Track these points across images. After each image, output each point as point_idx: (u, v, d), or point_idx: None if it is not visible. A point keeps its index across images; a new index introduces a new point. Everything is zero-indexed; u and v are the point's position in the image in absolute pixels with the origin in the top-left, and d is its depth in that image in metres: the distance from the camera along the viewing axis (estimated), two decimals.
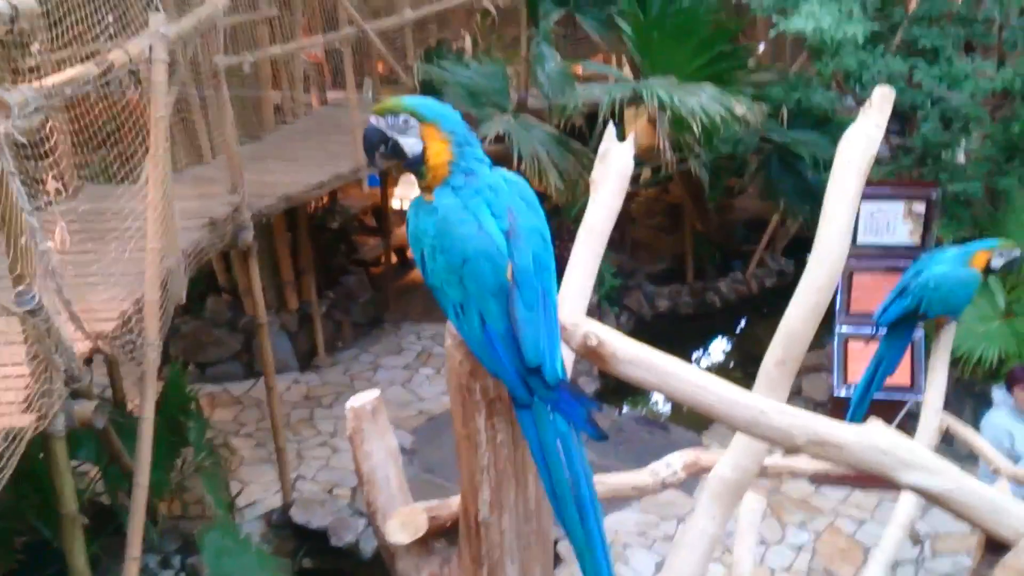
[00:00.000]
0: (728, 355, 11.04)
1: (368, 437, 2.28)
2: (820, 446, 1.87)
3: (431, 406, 8.91)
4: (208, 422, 7.19)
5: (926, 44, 8.04)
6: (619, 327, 6.98)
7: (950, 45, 7.95)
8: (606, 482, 2.67)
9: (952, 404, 4.43)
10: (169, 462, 6.43)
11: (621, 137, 2.81)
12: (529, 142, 8.68)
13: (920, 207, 7.53)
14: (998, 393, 5.34)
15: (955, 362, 7.06)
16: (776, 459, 3.07)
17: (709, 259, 11.89)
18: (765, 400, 1.95)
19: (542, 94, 9.17)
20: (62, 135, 5.86)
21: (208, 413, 8.08)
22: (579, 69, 10.09)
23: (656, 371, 1.89)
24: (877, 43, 7.90)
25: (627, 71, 10.21)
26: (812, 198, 8.95)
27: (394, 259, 11.61)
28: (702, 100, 8.12)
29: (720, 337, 11.26)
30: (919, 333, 6.63)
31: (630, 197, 3.65)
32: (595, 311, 9.13)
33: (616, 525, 6.95)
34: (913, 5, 8.53)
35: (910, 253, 6.93)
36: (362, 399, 2.28)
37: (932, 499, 1.92)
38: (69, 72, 4.26)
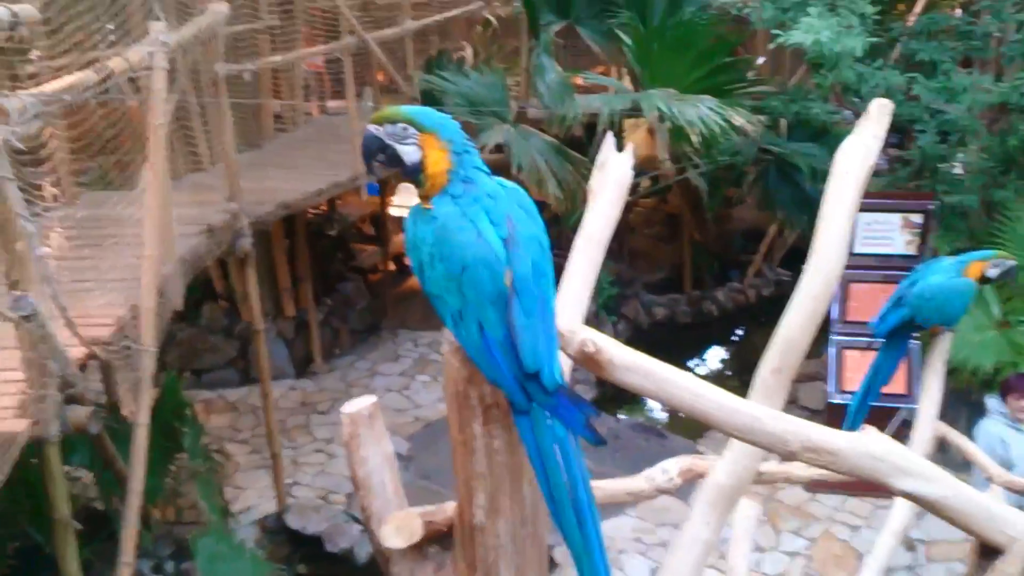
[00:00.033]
0: (725, 364, 11.05)
1: (364, 442, 2.28)
2: (815, 453, 1.88)
3: (427, 413, 8.91)
4: (203, 428, 7.18)
5: (924, 58, 8.08)
6: (616, 335, 6.99)
7: (948, 59, 7.99)
8: (602, 488, 2.68)
9: (947, 413, 4.44)
10: (163, 468, 6.43)
11: (620, 147, 2.83)
12: (528, 151, 8.70)
13: (917, 218, 7.56)
14: (992, 402, 5.36)
15: (950, 371, 7.05)
16: (771, 466, 3.08)
17: (707, 269, 11.92)
18: (761, 407, 1.96)
19: (542, 104, 9.19)
20: (60, 142, 5.87)
21: (203, 419, 8.08)
22: (579, 80, 10.11)
23: (653, 378, 1.89)
24: (876, 56, 7.94)
25: (627, 82, 10.24)
26: (809, 209, 8.95)
27: (392, 267, 11.62)
28: (701, 111, 8.14)
29: (717, 346, 11.27)
30: (915, 343, 6.65)
31: (628, 207, 3.65)
32: (593, 320, 9.13)
33: (612, 531, 6.95)
34: (912, 19, 8.58)
35: (907, 263, 6.95)
36: (358, 404, 2.28)
37: (926, 506, 1.93)
38: (68, 79, 4.27)
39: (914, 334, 4.30)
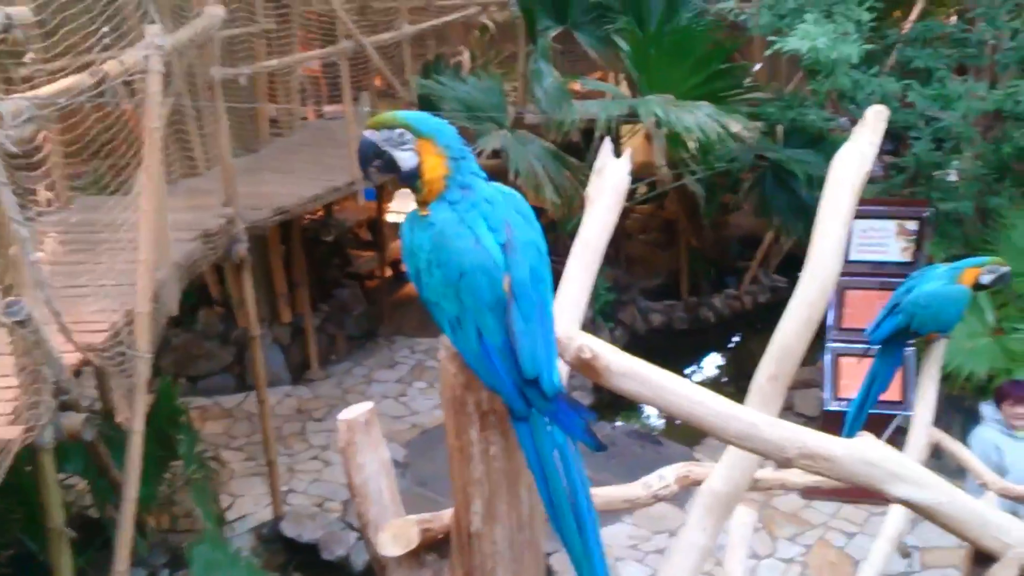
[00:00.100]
0: (721, 370, 11.06)
1: (360, 449, 2.27)
2: (811, 459, 1.88)
3: (424, 419, 8.90)
4: (198, 435, 7.17)
5: (920, 65, 8.10)
6: (613, 341, 6.95)
7: (943, 66, 8.02)
8: (599, 495, 2.67)
9: (941, 419, 4.45)
10: (158, 475, 6.41)
11: (617, 153, 2.83)
12: (525, 157, 8.71)
13: (912, 225, 7.58)
14: (986, 408, 5.37)
15: (945, 378, 7.05)
16: (767, 472, 3.07)
17: (703, 275, 11.93)
18: (757, 414, 1.96)
19: (539, 110, 9.20)
20: (55, 145, 5.86)
21: (199, 426, 8.06)
22: (576, 85, 10.13)
23: (650, 384, 1.89)
24: (871, 63, 7.96)
25: (624, 88, 10.26)
26: (806, 215, 8.97)
27: (389, 273, 11.61)
28: (698, 117, 8.16)
29: (714, 352, 11.28)
30: (910, 349, 6.67)
31: (625, 213, 3.66)
32: (589, 326, 9.11)
33: (608, 538, 6.94)
34: (907, 26, 8.61)
35: (902, 270, 6.96)
36: (355, 411, 2.27)
37: (921, 512, 1.93)
38: (63, 82, 4.26)
39: (909, 341, 4.31)
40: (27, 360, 3.91)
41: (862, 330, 4.48)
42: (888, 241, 7.58)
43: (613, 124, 8.46)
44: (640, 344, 10.30)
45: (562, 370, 1.89)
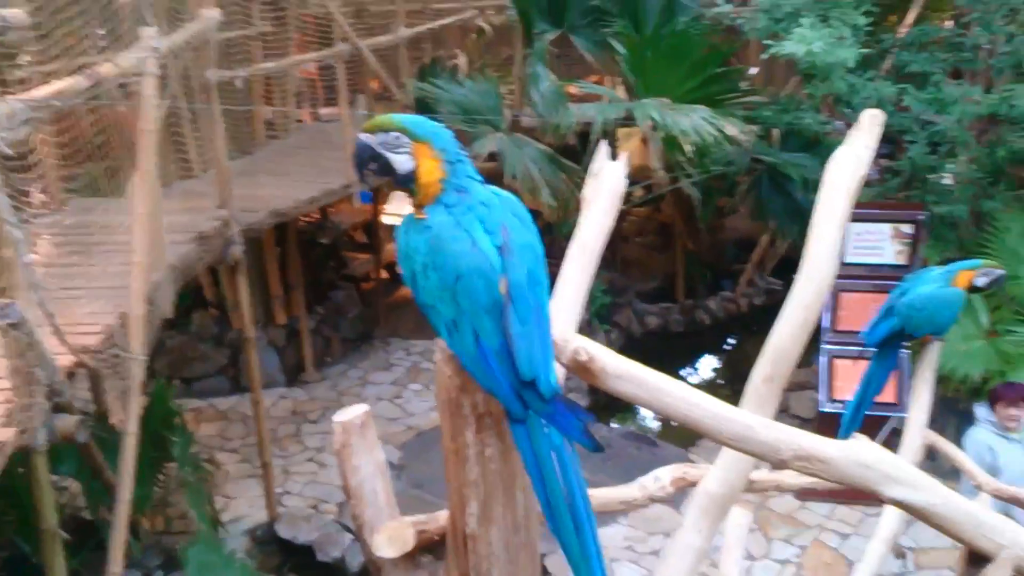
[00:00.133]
0: (717, 372, 11.06)
1: (356, 451, 2.28)
2: (806, 461, 1.88)
3: (419, 422, 8.89)
4: (193, 437, 7.15)
5: (915, 69, 8.13)
6: (609, 344, 6.96)
7: (939, 70, 8.04)
8: (595, 496, 2.66)
9: (936, 421, 4.46)
10: (152, 477, 6.40)
11: (613, 156, 2.83)
12: (522, 160, 8.71)
13: (908, 228, 7.59)
14: (980, 410, 5.38)
15: (939, 380, 7.06)
16: (762, 474, 3.08)
17: (699, 278, 11.94)
18: (753, 416, 1.96)
19: (535, 113, 9.21)
20: (49, 147, 5.85)
21: (193, 428, 8.04)
22: (573, 89, 10.14)
23: (646, 386, 1.89)
24: (867, 68, 7.99)
25: (620, 91, 10.27)
26: (801, 219, 8.95)
27: (384, 275, 11.60)
28: (694, 121, 8.17)
29: (709, 354, 11.29)
30: (904, 352, 6.68)
31: (621, 216, 3.66)
32: (585, 328, 9.14)
33: (604, 540, 6.85)
34: (903, 31, 8.63)
35: (897, 273, 6.97)
36: (350, 413, 2.28)
37: (916, 513, 1.93)
38: (58, 84, 4.26)
39: (905, 343, 4.32)
40: (20, 362, 3.89)
41: (857, 332, 4.49)
42: (883, 244, 7.60)
43: (609, 127, 8.47)
44: (636, 347, 10.31)
45: (559, 372, 1.89)
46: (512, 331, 1.76)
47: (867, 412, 4.20)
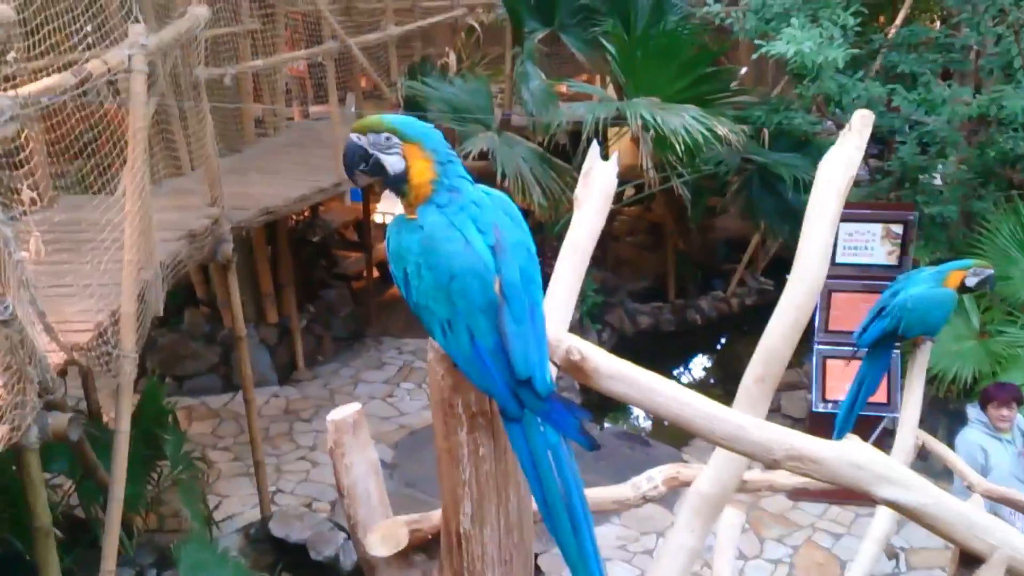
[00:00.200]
0: (708, 372, 11.09)
1: (349, 450, 2.27)
2: (798, 461, 1.89)
3: (412, 420, 8.89)
4: (185, 435, 7.14)
5: (905, 70, 8.16)
6: (601, 343, 7.00)
7: (928, 71, 8.08)
8: (588, 496, 2.66)
9: (927, 421, 4.49)
10: (145, 475, 6.38)
11: (604, 156, 2.83)
12: (512, 159, 8.71)
13: (898, 228, 7.62)
14: (972, 411, 5.41)
15: (930, 380, 7.14)
16: (755, 474, 3.09)
17: (691, 277, 11.98)
18: (745, 416, 1.97)
19: (526, 112, 9.22)
20: (38, 145, 5.82)
21: (185, 426, 8.03)
22: (563, 88, 10.14)
23: (638, 386, 1.90)
24: (857, 68, 8.01)
25: (611, 91, 10.28)
26: (792, 218, 9.03)
27: (376, 274, 11.60)
28: (685, 120, 8.18)
29: (701, 354, 11.32)
30: (895, 352, 6.71)
31: (613, 215, 3.68)
32: (577, 327, 9.15)
33: (597, 539, 6.94)
34: (893, 31, 8.67)
35: (888, 273, 7.00)
36: (343, 412, 2.28)
37: (908, 514, 1.94)
38: (46, 81, 4.24)
39: (897, 344, 4.34)
40: (12, 360, 3.87)
41: (849, 332, 4.51)
42: (874, 244, 7.62)
43: (600, 127, 8.47)
44: (627, 346, 10.33)
45: (551, 371, 1.90)
46: (507, 330, 1.76)
47: (859, 413, 4.22)
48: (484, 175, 7.88)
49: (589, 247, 2.66)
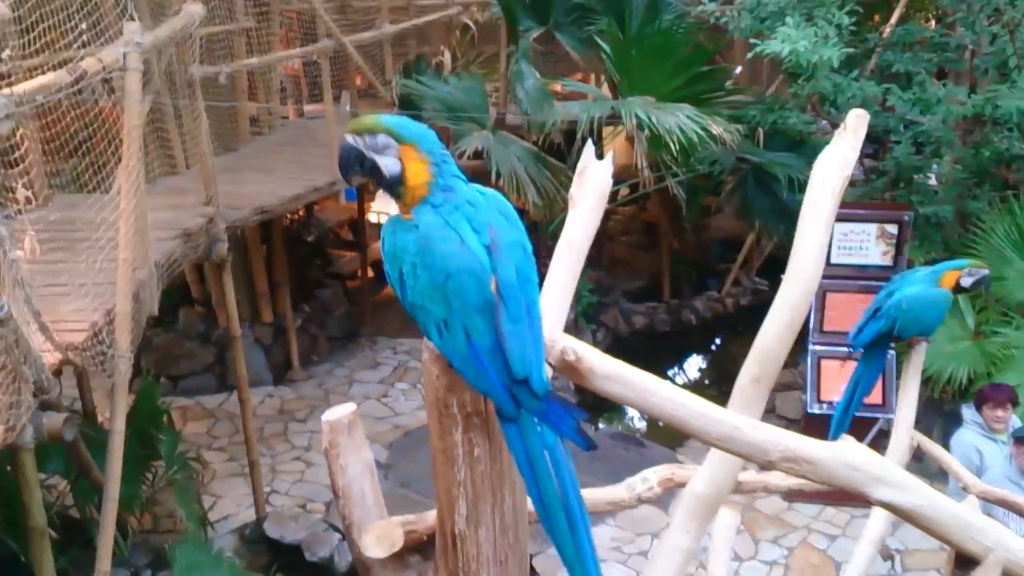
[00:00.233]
0: (703, 372, 11.10)
1: (344, 451, 2.27)
2: (793, 462, 1.88)
3: (407, 421, 8.88)
4: (180, 435, 7.13)
5: (900, 69, 8.17)
6: (595, 343, 7.00)
7: (923, 70, 8.08)
8: (582, 497, 2.67)
9: (922, 422, 4.50)
10: (140, 475, 6.38)
11: (599, 155, 2.83)
12: (507, 158, 8.70)
13: (893, 228, 7.62)
14: (967, 412, 5.41)
15: (925, 381, 7.15)
16: (750, 475, 3.09)
17: (685, 277, 11.98)
18: (740, 416, 1.96)
19: (521, 111, 9.21)
20: (33, 143, 5.81)
21: (180, 426, 8.02)
22: (558, 87, 10.14)
23: (633, 387, 1.89)
24: (852, 67, 8.02)
25: (605, 90, 10.28)
26: (787, 218, 9.03)
27: (371, 273, 11.58)
28: (679, 119, 8.18)
29: (695, 354, 11.33)
30: (890, 353, 6.72)
31: (607, 215, 3.68)
32: (572, 327, 9.14)
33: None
34: (887, 31, 8.67)
35: (883, 273, 7.00)
36: (338, 412, 2.27)
37: (903, 515, 1.94)
38: (41, 79, 4.23)
39: (892, 345, 4.34)
40: (7, 359, 3.86)
41: (843, 333, 4.50)
42: (868, 244, 7.63)
43: (595, 126, 8.47)
44: (622, 346, 10.33)
45: (546, 372, 1.89)
46: (504, 330, 1.75)
47: (855, 414, 4.22)
48: (479, 174, 7.90)
49: (584, 247, 2.65)
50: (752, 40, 7.97)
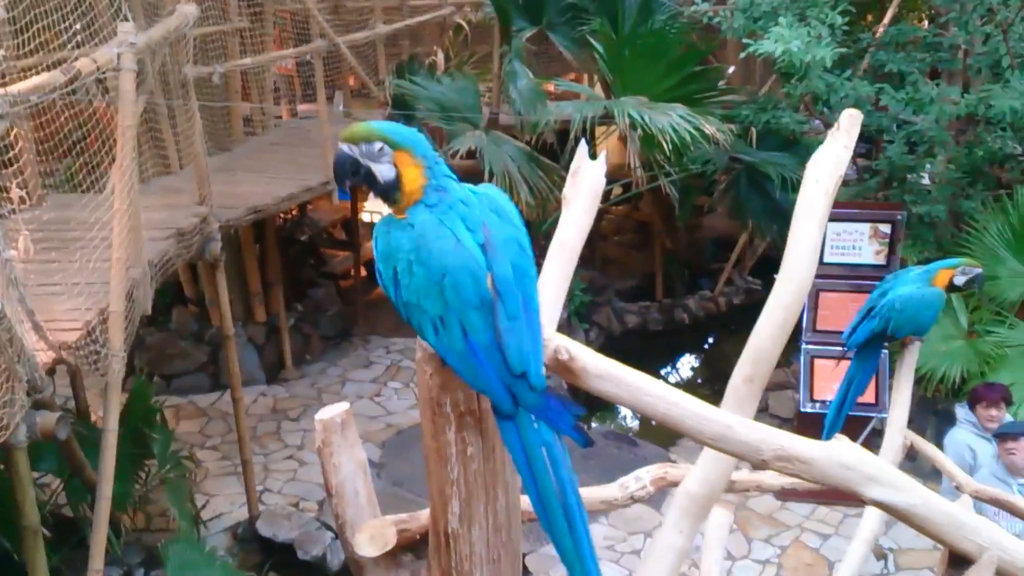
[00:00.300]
0: (696, 372, 11.11)
1: (337, 450, 2.27)
2: (787, 461, 1.89)
3: (399, 420, 8.88)
4: (173, 434, 7.12)
5: (893, 69, 8.19)
6: (588, 343, 7.00)
7: (916, 70, 8.10)
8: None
9: (916, 421, 4.51)
10: (133, 474, 6.37)
11: (592, 155, 2.83)
12: (500, 158, 8.70)
13: (886, 228, 7.64)
14: (961, 411, 5.42)
15: (919, 380, 7.17)
16: (743, 474, 3.09)
17: (678, 277, 12.00)
18: (733, 416, 1.97)
19: (514, 111, 9.20)
20: (27, 143, 5.79)
21: (173, 425, 8.00)
22: (551, 87, 10.14)
23: (626, 386, 1.90)
24: (845, 67, 8.03)
25: (598, 89, 10.28)
26: (780, 218, 9.05)
27: (364, 272, 11.58)
28: (672, 119, 8.18)
29: (688, 354, 11.34)
30: (884, 352, 6.74)
31: (600, 214, 3.67)
32: (565, 327, 9.14)
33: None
34: (880, 30, 8.69)
35: (876, 273, 7.02)
36: (331, 411, 2.27)
37: (896, 514, 1.95)
38: (35, 80, 4.22)
39: (885, 344, 4.35)
40: (0, 358, 3.85)
41: (837, 332, 4.51)
42: (861, 244, 7.65)
43: (588, 125, 8.47)
44: (615, 345, 10.34)
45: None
46: (501, 326, 1.76)
47: (848, 413, 4.22)
48: (472, 174, 7.89)
49: (577, 246, 2.66)
50: (745, 40, 7.99)
